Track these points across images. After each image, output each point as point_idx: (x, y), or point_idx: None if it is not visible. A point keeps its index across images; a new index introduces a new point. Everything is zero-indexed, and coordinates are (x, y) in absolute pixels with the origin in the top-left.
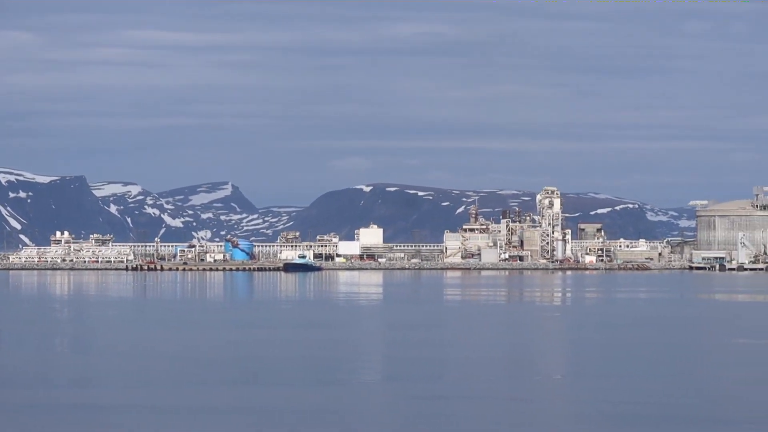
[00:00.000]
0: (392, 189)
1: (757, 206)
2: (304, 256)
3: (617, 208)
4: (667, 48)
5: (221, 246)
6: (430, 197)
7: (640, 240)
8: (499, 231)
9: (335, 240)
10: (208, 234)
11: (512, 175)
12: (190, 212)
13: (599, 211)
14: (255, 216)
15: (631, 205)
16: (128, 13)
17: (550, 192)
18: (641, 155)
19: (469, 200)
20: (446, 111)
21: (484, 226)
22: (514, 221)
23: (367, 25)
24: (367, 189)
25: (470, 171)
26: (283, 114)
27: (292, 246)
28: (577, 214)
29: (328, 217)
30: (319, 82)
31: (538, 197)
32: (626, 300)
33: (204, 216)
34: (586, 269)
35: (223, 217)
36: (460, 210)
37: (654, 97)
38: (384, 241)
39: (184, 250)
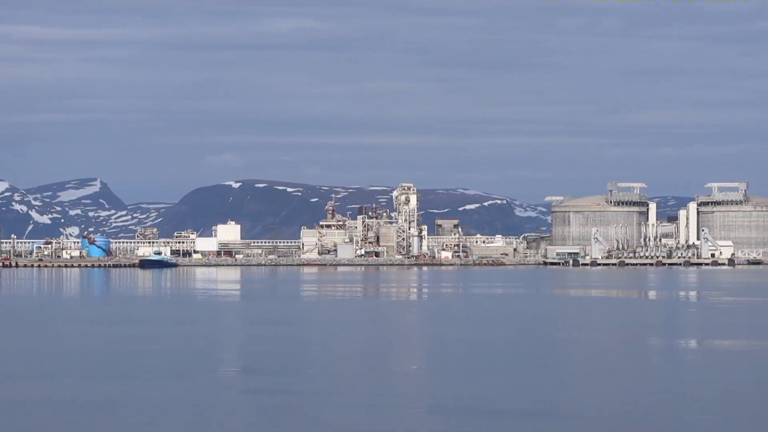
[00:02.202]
0: (261, 185)
1: (611, 202)
2: (159, 253)
3: (485, 203)
4: (540, 43)
5: (78, 243)
6: (299, 193)
7: (497, 236)
8: (356, 227)
9: (193, 236)
10: (76, 231)
11: (383, 170)
12: (59, 209)
13: (468, 206)
14: (124, 212)
15: (499, 201)
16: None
17: (406, 188)
18: (512, 151)
19: (339, 196)
20: (320, 106)
21: (340, 222)
22: (370, 217)
23: (241, 20)
24: (236, 185)
25: (342, 167)
26: (156, 109)
27: (149, 242)
28: (446, 210)
29: (197, 213)
30: (193, 78)
31: (395, 193)
32: (481, 295)
33: (72, 212)
34: (442, 265)
35: (91, 214)
36: (328, 206)
37: (526, 93)
38: (253, 238)
39: (40, 247)
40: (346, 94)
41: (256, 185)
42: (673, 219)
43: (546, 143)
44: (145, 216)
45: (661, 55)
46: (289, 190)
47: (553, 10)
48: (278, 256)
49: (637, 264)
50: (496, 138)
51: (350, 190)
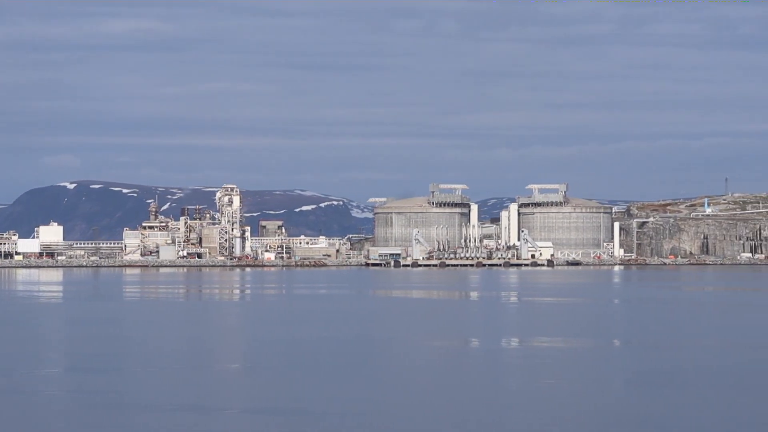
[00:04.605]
0: (96, 186)
1: (432, 203)
2: None
3: (322, 205)
4: (379, 45)
5: None
6: (135, 194)
7: (320, 237)
8: (179, 228)
9: (14, 238)
10: None
11: (221, 171)
12: None
13: (304, 208)
14: None
15: (336, 202)
16: None
17: (229, 189)
18: (350, 152)
19: (175, 197)
20: (159, 107)
21: (163, 224)
22: (193, 218)
23: (79, 20)
24: (71, 186)
25: (181, 168)
26: None
27: None
28: (282, 211)
29: (31, 214)
30: (30, 78)
31: (218, 195)
32: (303, 296)
33: None
34: (264, 266)
35: None
36: (165, 207)
37: (367, 94)
38: (88, 239)
39: None
40: (185, 94)
41: (92, 186)
42: (496, 220)
43: (385, 144)
44: None
45: (500, 57)
46: (124, 191)
47: (389, 12)
48: (101, 258)
49: (457, 265)
50: (335, 139)
51: (187, 192)
